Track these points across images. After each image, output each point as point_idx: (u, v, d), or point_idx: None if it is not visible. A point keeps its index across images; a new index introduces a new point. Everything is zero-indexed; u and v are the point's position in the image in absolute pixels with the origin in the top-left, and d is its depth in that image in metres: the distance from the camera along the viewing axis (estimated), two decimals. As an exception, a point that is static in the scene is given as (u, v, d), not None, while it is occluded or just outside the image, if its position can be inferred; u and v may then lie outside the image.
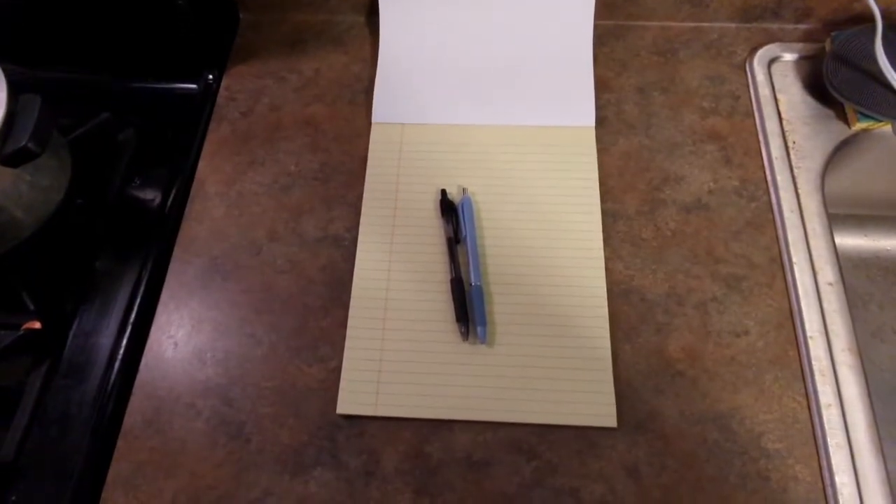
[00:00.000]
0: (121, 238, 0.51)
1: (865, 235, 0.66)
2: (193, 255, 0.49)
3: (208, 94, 0.57)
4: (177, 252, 0.50)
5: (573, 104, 0.53)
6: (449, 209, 0.48)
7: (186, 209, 0.51)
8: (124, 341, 0.46)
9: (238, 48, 0.59)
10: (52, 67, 0.54)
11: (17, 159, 0.42)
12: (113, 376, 0.45)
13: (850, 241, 0.65)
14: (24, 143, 0.41)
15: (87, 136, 0.53)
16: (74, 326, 0.47)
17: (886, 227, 0.65)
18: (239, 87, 0.57)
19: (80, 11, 0.54)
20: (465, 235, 0.47)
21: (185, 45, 0.57)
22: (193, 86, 0.57)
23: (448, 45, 0.55)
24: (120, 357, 0.46)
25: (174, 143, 0.54)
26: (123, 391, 0.45)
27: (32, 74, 0.45)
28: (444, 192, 0.49)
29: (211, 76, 0.57)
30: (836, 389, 0.42)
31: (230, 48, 0.59)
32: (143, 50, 0.57)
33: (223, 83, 0.57)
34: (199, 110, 0.56)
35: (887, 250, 0.66)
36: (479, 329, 0.44)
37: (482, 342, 0.44)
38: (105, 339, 0.46)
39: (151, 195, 0.53)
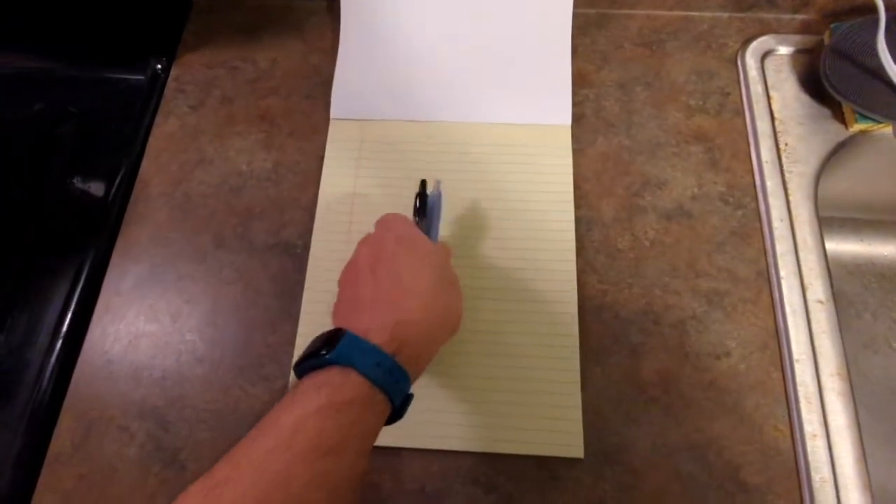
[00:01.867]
0: (55, 241, 0.47)
1: (861, 241, 0.62)
2: (133, 263, 0.46)
3: (155, 85, 0.52)
4: (115, 258, 0.46)
5: (548, 100, 0.49)
6: (423, 206, 0.42)
7: (127, 211, 0.47)
8: (55, 356, 0.43)
9: (189, 34, 0.55)
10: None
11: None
12: (40, 396, 0.41)
13: (844, 247, 0.62)
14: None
15: (21, 129, 0.48)
16: (2, 338, 0.43)
17: (884, 232, 0.61)
18: (189, 77, 0.53)
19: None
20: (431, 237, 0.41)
21: (131, 29, 0.53)
22: (140, 76, 0.53)
23: (414, 34, 0.50)
24: (48, 375, 0.42)
25: (117, 139, 0.50)
26: (52, 411, 0.41)
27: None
28: (423, 183, 0.44)
29: (159, 65, 0.53)
30: (822, 419, 0.38)
31: (180, 34, 0.54)
32: (84, 34, 0.52)
33: (172, 73, 0.53)
34: (145, 102, 0.51)
35: (884, 257, 0.62)
36: None
37: None
38: (34, 356, 0.43)
39: (91, 195, 0.49)
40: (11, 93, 0.50)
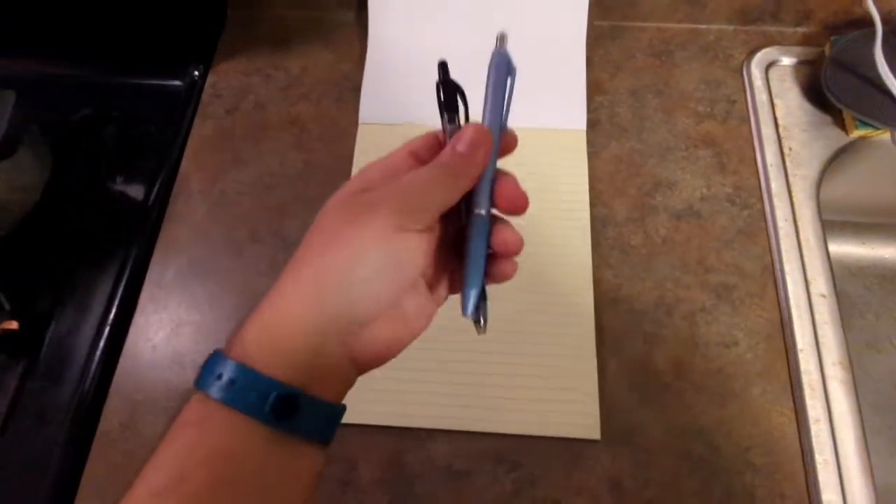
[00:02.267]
0: (101, 237, 0.50)
1: (863, 244, 0.64)
2: (174, 256, 0.48)
3: (193, 91, 0.56)
4: (157, 253, 0.49)
5: (565, 106, 0.52)
6: (452, 95, 0.28)
7: (168, 208, 0.50)
8: (102, 343, 0.45)
9: (225, 44, 0.58)
10: (32, 60, 0.53)
11: (-9, 157, 0.41)
12: (90, 378, 0.44)
13: (846, 249, 0.64)
14: (-3, 140, 0.40)
15: (68, 132, 0.52)
16: (52, 327, 0.46)
17: (884, 235, 0.64)
18: (225, 84, 0.56)
19: (64, 2, 0.53)
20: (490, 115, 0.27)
21: (171, 39, 0.56)
22: (178, 82, 0.56)
23: (438, 43, 0.53)
24: (97, 359, 0.45)
25: (158, 140, 0.53)
26: (100, 393, 0.44)
27: (9, 67, 0.44)
28: (443, 66, 0.28)
29: (196, 72, 0.56)
30: (825, 404, 0.41)
31: (217, 44, 0.58)
32: (128, 44, 0.56)
33: (209, 80, 0.56)
34: (184, 107, 0.55)
35: (885, 259, 0.64)
36: (468, 294, 0.27)
37: (468, 316, 0.28)
38: (82, 341, 0.46)
39: (133, 193, 0.52)
40: (62, 98, 0.53)
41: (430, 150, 0.27)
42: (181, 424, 0.22)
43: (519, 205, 0.27)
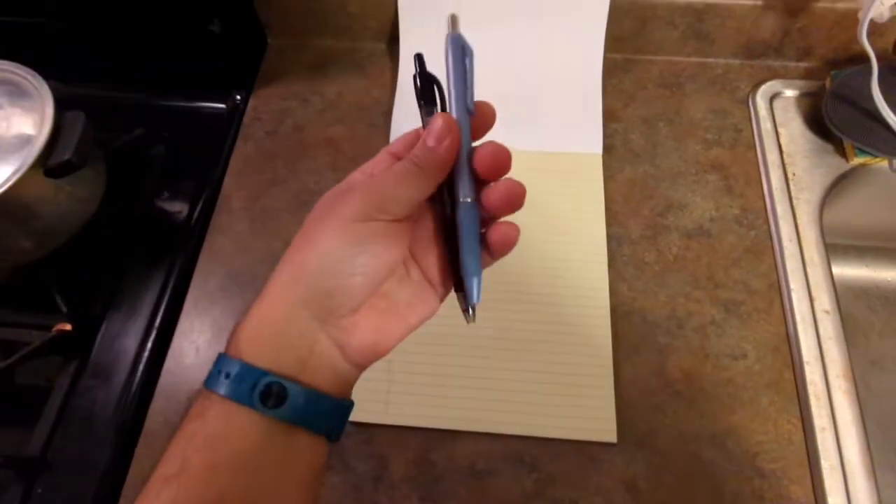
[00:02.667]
0: (149, 247, 0.54)
1: (866, 266, 0.67)
2: (217, 266, 0.52)
3: (236, 114, 0.60)
4: (201, 262, 0.52)
5: (582, 132, 0.56)
6: (429, 87, 0.28)
7: (212, 222, 0.54)
8: (149, 345, 0.49)
9: (265, 71, 0.63)
10: (94, 85, 0.57)
11: (60, 171, 0.45)
12: (137, 378, 0.47)
13: (850, 271, 0.67)
14: (67, 156, 0.44)
15: (121, 150, 0.56)
16: (102, 329, 0.50)
17: (887, 258, 0.67)
18: (265, 107, 0.60)
19: (120, 33, 0.58)
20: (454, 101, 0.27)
21: (216, 67, 0.60)
22: (222, 105, 0.61)
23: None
24: (144, 360, 0.48)
25: (202, 159, 0.57)
26: (146, 393, 0.47)
27: (74, 90, 0.48)
28: (419, 58, 0.28)
29: (239, 97, 0.61)
30: (830, 413, 0.43)
31: (258, 71, 0.63)
32: (177, 70, 0.60)
33: (250, 103, 0.61)
34: (227, 128, 0.59)
35: (888, 281, 0.67)
36: (469, 283, 0.27)
37: (474, 302, 0.28)
38: (131, 343, 0.49)
39: (179, 207, 0.56)
40: (116, 119, 0.57)
41: (409, 147, 0.28)
42: (188, 418, 0.24)
43: (501, 165, 0.26)
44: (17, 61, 0.49)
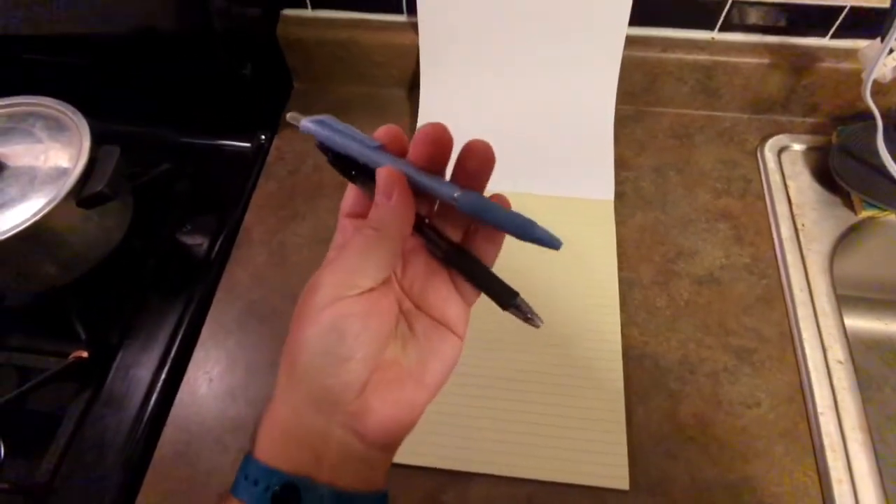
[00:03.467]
0: (169, 278, 0.55)
1: (878, 319, 0.67)
2: (234, 298, 0.53)
3: (260, 153, 0.62)
4: (219, 294, 0.53)
5: (594, 179, 0.57)
6: (348, 169, 0.27)
7: (232, 255, 0.55)
8: (163, 375, 0.49)
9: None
10: (124, 121, 0.60)
11: (92, 202, 0.47)
12: (149, 408, 0.48)
13: (862, 323, 0.67)
14: (100, 188, 0.46)
15: (149, 184, 0.58)
16: (118, 358, 0.50)
17: (902, 310, 0.67)
18: (288, 148, 0.63)
19: (154, 76, 0.61)
20: (360, 156, 0.26)
21: (244, 108, 0.63)
22: (248, 144, 0.63)
23: (481, 119, 0.60)
24: (157, 390, 0.48)
25: (226, 195, 0.59)
26: (158, 422, 0.47)
27: (107, 126, 0.50)
28: (321, 149, 0.28)
29: (263, 136, 0.63)
30: (846, 465, 0.43)
31: (282, 111, 0.65)
32: (207, 110, 0.63)
33: (274, 143, 0.63)
34: (251, 166, 0.61)
35: (902, 334, 0.67)
36: (534, 231, 0.23)
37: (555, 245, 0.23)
38: (145, 372, 0.49)
39: (200, 240, 0.57)
40: (145, 155, 0.59)
41: (359, 200, 0.27)
42: None
43: (441, 141, 0.24)
44: (58, 98, 0.51)
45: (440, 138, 0.24)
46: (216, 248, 0.56)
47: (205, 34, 0.54)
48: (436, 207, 0.27)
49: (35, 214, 0.45)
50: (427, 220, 0.26)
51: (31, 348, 0.51)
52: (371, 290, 0.24)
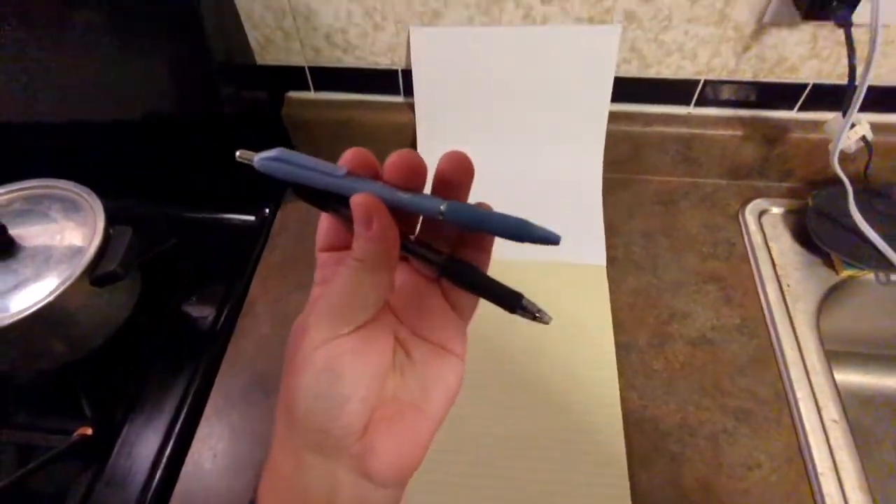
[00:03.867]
0: (175, 351, 0.56)
1: (868, 373, 0.68)
2: (239, 370, 0.54)
3: (264, 225, 0.65)
4: (224, 366, 0.54)
5: (586, 245, 0.60)
6: (324, 202, 0.26)
7: (237, 326, 0.57)
8: (167, 451, 0.49)
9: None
10: (133, 197, 0.62)
11: (105, 281, 0.48)
12: (153, 486, 0.47)
13: (855, 378, 0.68)
14: (113, 267, 0.48)
15: (156, 258, 0.60)
16: (123, 434, 0.50)
17: (888, 365, 0.68)
18: (291, 219, 0.65)
19: (163, 156, 0.64)
20: (329, 187, 0.24)
21: (249, 184, 0.66)
22: (252, 217, 0.66)
23: (474, 189, 0.63)
24: (162, 466, 0.48)
25: (231, 266, 0.61)
26: (162, 501, 0.47)
27: (118, 203, 0.53)
28: (296, 187, 0.27)
29: (268, 209, 0.66)
30: (850, 528, 0.43)
31: (286, 186, 0.68)
32: (213, 185, 0.66)
33: (278, 215, 0.66)
34: (256, 238, 0.63)
35: (893, 389, 0.68)
36: (535, 231, 0.23)
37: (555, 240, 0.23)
38: (149, 448, 0.49)
39: (206, 312, 0.58)
40: (155, 230, 0.62)
41: (333, 232, 0.26)
42: None
43: (413, 164, 0.23)
44: (65, 176, 0.54)
45: (412, 162, 0.23)
46: (221, 319, 0.57)
47: (215, 118, 0.57)
48: (417, 229, 0.25)
49: (50, 294, 0.46)
50: (412, 238, 0.25)
51: (35, 426, 0.51)
52: (364, 324, 0.23)
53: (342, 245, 0.25)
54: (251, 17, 0.59)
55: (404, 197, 0.23)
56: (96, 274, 0.48)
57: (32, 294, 0.47)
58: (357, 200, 0.22)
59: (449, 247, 0.25)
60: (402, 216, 0.23)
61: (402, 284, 0.25)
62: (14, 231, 0.49)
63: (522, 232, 0.22)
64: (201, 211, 0.67)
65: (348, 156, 0.24)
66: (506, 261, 0.58)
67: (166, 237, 0.62)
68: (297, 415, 0.22)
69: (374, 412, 0.23)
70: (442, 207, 0.22)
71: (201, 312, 0.58)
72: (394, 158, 0.23)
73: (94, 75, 0.55)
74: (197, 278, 0.61)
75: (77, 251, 0.49)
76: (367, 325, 0.23)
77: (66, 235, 0.50)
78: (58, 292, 0.47)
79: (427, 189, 0.24)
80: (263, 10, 0.58)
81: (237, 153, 0.26)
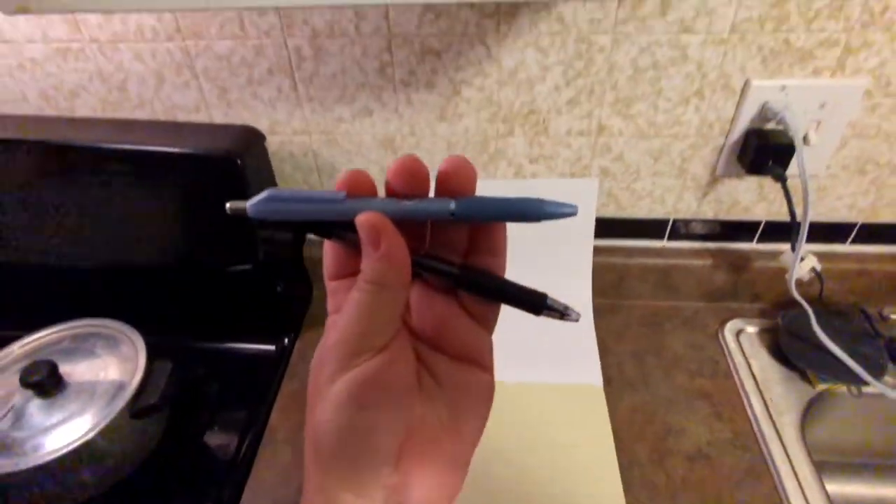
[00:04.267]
0: (197, 480, 0.58)
1: (863, 483, 0.71)
2: (261, 499, 0.56)
3: (284, 355, 0.70)
4: (246, 494, 0.56)
5: (581, 366, 0.65)
6: (328, 233, 0.25)
7: (258, 454, 0.59)
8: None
9: (311, 317, 0.74)
10: (167, 334, 0.68)
11: (145, 414, 0.52)
12: None
13: (850, 488, 0.70)
14: (153, 401, 0.52)
15: (182, 389, 0.64)
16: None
17: (881, 474, 0.71)
18: (311, 348, 0.70)
19: (197, 295, 0.71)
20: (331, 216, 0.24)
21: (269, 316, 0.72)
22: (272, 347, 0.71)
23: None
24: None
25: (252, 396, 0.65)
26: None
27: (159, 340, 0.58)
28: (293, 226, 0.28)
29: (287, 339, 0.71)
30: None
31: (304, 317, 0.74)
32: (237, 320, 0.72)
33: (297, 345, 0.71)
34: (275, 368, 0.68)
35: (889, 497, 0.70)
36: (548, 207, 0.23)
37: (572, 211, 0.23)
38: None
39: (228, 441, 0.61)
40: (184, 363, 0.66)
41: (338, 259, 0.24)
42: None
43: (415, 169, 0.22)
44: (107, 313, 0.59)
45: (413, 167, 0.22)
46: (243, 449, 0.60)
47: (251, 262, 0.65)
48: (427, 242, 0.24)
49: (92, 428, 0.50)
50: (423, 253, 0.24)
51: (56, 565, 0.52)
52: (382, 349, 0.22)
53: (350, 271, 0.24)
54: (282, 173, 0.69)
55: (410, 205, 0.22)
56: (137, 407, 0.52)
57: (76, 428, 0.50)
58: (362, 220, 0.21)
59: (460, 256, 0.24)
60: (409, 231, 0.23)
61: (417, 302, 0.24)
62: (63, 368, 0.54)
63: (538, 210, 0.22)
64: (223, 341, 0.72)
65: (346, 178, 0.23)
66: (507, 384, 0.63)
67: (191, 367, 0.66)
68: (324, 453, 0.22)
69: (406, 441, 0.22)
70: (452, 206, 0.22)
71: (224, 441, 0.61)
72: (395, 165, 0.22)
73: (137, 227, 0.63)
74: (220, 407, 0.65)
75: (119, 385, 0.54)
76: (385, 349, 0.22)
77: (109, 371, 0.55)
78: (100, 427, 0.50)
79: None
80: (293, 170, 0.69)
81: (227, 205, 0.24)
